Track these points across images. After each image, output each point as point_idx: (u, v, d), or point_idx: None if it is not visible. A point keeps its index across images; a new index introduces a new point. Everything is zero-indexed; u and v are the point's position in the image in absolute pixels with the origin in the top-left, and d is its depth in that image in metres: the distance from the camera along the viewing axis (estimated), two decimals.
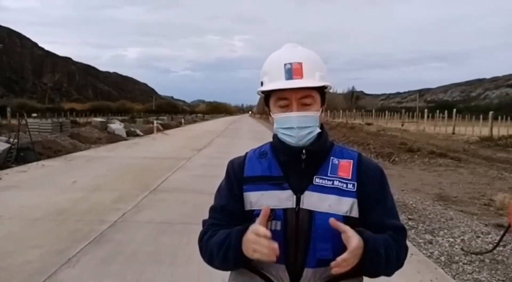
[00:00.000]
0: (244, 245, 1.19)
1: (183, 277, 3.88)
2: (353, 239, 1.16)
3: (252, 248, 1.17)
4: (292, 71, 1.25)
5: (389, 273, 1.30)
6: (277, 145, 1.36)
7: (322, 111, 1.34)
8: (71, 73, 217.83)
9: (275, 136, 1.37)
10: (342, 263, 1.14)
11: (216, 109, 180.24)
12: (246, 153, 1.45)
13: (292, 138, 1.28)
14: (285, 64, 1.26)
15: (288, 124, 1.28)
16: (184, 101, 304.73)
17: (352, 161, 1.35)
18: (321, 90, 1.32)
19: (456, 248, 4.91)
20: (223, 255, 1.26)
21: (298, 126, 1.26)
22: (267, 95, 1.35)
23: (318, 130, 1.31)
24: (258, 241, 1.15)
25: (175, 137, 23.83)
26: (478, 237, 5.30)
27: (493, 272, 4.22)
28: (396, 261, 1.29)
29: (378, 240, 1.22)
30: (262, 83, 1.32)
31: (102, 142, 19.33)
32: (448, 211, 6.75)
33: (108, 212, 6.15)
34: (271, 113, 1.34)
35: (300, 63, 1.26)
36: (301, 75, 1.25)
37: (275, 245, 1.15)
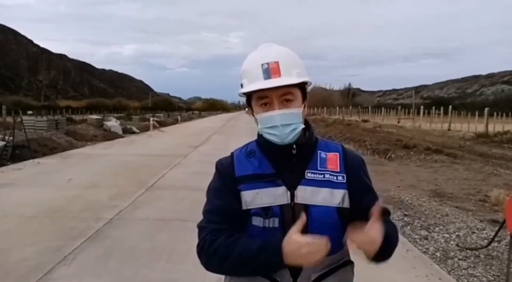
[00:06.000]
0: (290, 253, 1.16)
1: (179, 273, 3.88)
2: (377, 226, 1.17)
3: (305, 252, 1.15)
4: (269, 70, 1.26)
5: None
6: (266, 143, 1.36)
7: (304, 107, 1.35)
8: (67, 71, 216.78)
9: (261, 135, 1.38)
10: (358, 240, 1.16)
11: (213, 106, 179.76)
12: (232, 153, 1.44)
13: (276, 137, 1.29)
14: (262, 65, 1.28)
15: (271, 123, 1.29)
16: (180, 98, 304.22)
17: (338, 153, 1.39)
18: (301, 87, 1.34)
19: (452, 244, 4.95)
20: (257, 264, 1.23)
21: (281, 124, 1.28)
22: (248, 96, 1.36)
23: (302, 126, 1.33)
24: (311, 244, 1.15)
25: (171, 135, 23.76)
26: (473, 232, 5.34)
27: (488, 267, 4.26)
28: (397, 240, 1.40)
29: (388, 227, 1.27)
30: (242, 85, 1.34)
31: (98, 139, 19.27)
32: (444, 207, 6.78)
33: (105, 209, 6.14)
34: (254, 114, 1.35)
35: (277, 62, 1.27)
36: (278, 74, 1.26)
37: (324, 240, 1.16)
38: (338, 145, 1.44)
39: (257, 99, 1.31)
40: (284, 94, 1.28)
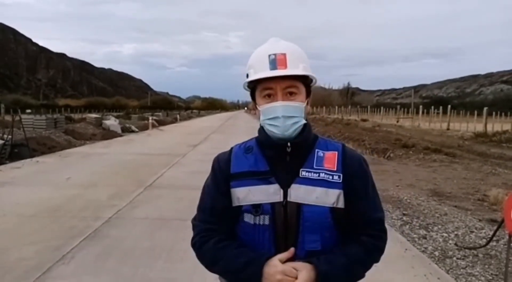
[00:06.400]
0: (267, 276, 1.22)
1: (178, 272, 3.88)
2: (301, 274, 1.21)
3: (278, 278, 1.21)
4: (276, 61, 1.27)
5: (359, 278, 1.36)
6: (263, 140, 1.36)
7: (307, 104, 1.35)
8: (66, 69, 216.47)
9: (261, 130, 1.38)
10: None
11: (212, 106, 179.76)
12: (232, 148, 1.45)
13: (277, 128, 1.29)
14: (269, 55, 1.28)
15: (273, 114, 1.29)
16: (179, 97, 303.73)
17: (336, 152, 1.36)
18: (306, 83, 1.34)
19: (450, 243, 4.95)
20: (240, 278, 1.28)
21: (283, 115, 1.27)
22: (253, 89, 1.37)
23: (304, 121, 1.33)
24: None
25: (170, 134, 23.75)
26: (472, 232, 5.34)
27: (486, 266, 4.26)
28: (366, 269, 1.35)
29: (337, 268, 1.26)
30: (247, 76, 1.34)
31: (97, 138, 19.23)
32: (443, 206, 6.79)
33: (103, 208, 6.13)
34: (257, 107, 1.36)
35: (284, 54, 1.28)
36: (285, 66, 1.27)
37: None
38: (338, 144, 1.41)
39: (261, 91, 1.32)
40: (288, 87, 1.29)
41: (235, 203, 1.34)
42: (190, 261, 3.90)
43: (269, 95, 1.30)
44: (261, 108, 1.32)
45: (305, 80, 1.33)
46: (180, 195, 7.17)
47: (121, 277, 3.78)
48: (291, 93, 1.29)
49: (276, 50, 1.29)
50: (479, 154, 15.06)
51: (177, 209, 6.19)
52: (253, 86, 1.35)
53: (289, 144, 1.31)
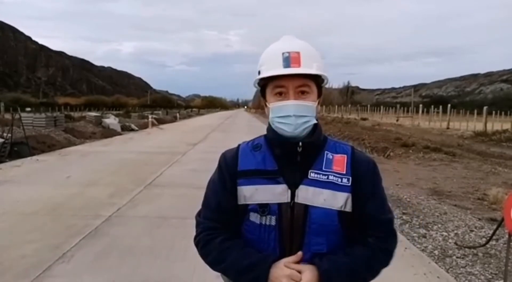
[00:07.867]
0: (273, 278, 1.22)
1: (178, 271, 3.88)
2: (305, 274, 1.20)
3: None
4: (290, 59, 1.25)
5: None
6: (272, 138, 1.34)
7: (318, 104, 1.33)
8: (66, 68, 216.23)
9: (270, 128, 1.36)
10: None
11: (212, 104, 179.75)
12: (239, 145, 1.43)
13: (288, 126, 1.26)
14: (283, 53, 1.26)
15: (284, 112, 1.26)
16: (179, 96, 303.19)
17: (346, 155, 1.34)
18: (318, 82, 1.32)
19: (450, 242, 4.95)
20: (245, 279, 1.27)
21: (295, 114, 1.25)
22: (263, 86, 1.34)
23: (315, 121, 1.31)
24: None
25: (170, 132, 23.75)
26: (472, 231, 5.35)
27: (486, 265, 4.26)
28: (372, 272, 1.32)
29: (340, 268, 1.24)
30: (259, 73, 1.31)
31: (96, 137, 19.23)
32: (442, 205, 6.79)
33: (103, 207, 6.13)
34: (267, 104, 1.33)
35: (298, 52, 1.26)
36: (298, 64, 1.24)
37: None
38: (347, 146, 1.38)
39: (273, 88, 1.29)
40: (301, 86, 1.27)
41: (241, 201, 1.32)
42: (190, 260, 3.89)
43: (280, 93, 1.28)
44: (271, 106, 1.30)
45: (317, 80, 1.31)
46: (180, 193, 7.17)
47: (121, 276, 3.78)
48: (303, 92, 1.27)
49: (290, 48, 1.26)
50: (479, 153, 15.08)
51: (177, 208, 6.19)
52: (264, 83, 1.33)
53: (300, 144, 1.29)
